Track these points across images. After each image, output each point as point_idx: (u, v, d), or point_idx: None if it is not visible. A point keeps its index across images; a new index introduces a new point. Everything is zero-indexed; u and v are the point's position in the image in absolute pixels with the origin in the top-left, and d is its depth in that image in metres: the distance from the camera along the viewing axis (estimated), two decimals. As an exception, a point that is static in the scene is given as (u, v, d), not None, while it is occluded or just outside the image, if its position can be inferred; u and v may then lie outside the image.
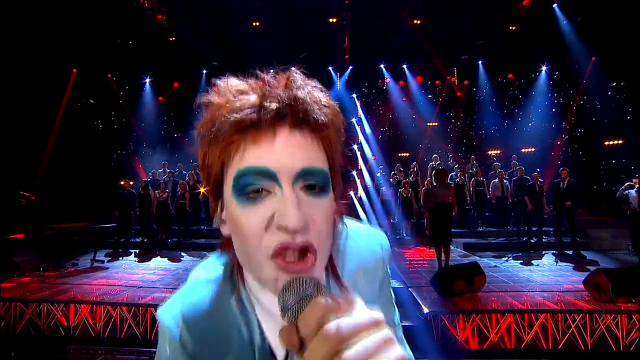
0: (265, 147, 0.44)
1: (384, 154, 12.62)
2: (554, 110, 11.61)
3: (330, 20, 10.96)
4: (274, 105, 0.44)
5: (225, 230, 0.50)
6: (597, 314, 3.83)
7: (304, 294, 0.38)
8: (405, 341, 0.60)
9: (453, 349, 3.78)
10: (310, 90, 0.46)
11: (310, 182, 0.45)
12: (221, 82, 0.49)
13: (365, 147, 13.50)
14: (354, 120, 13.92)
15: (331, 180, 0.47)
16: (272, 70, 0.49)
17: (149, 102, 13.13)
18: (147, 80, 12.97)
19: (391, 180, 10.10)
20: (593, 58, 10.16)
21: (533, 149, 11.62)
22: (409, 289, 4.78)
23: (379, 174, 10.65)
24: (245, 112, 0.44)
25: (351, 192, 10.99)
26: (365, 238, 0.61)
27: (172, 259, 7.31)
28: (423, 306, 4.12)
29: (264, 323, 0.51)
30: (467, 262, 5.05)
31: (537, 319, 3.86)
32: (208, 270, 0.56)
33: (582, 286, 4.49)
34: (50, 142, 10.13)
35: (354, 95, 13.93)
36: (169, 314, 0.53)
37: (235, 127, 0.44)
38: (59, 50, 9.33)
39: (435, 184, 6.00)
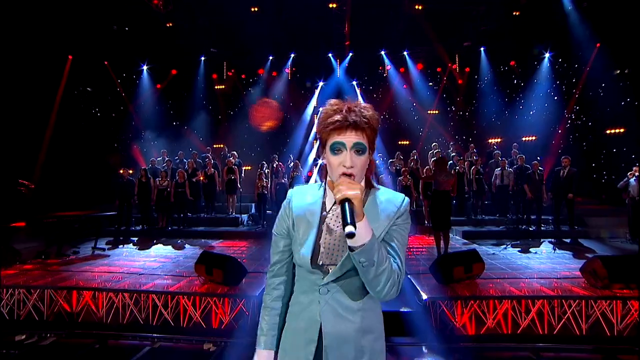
0: (342, 134, 1.06)
1: (384, 142, 12.58)
2: (556, 98, 11.49)
3: (330, 5, 10.76)
4: (345, 121, 1.05)
5: (325, 162, 1.12)
6: (593, 300, 3.89)
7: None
8: (399, 260, 1.08)
9: (451, 334, 3.85)
10: (361, 110, 1.07)
11: (357, 148, 1.06)
12: (328, 101, 1.11)
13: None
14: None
15: (368, 150, 1.08)
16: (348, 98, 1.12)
17: (147, 90, 12.99)
18: (145, 67, 12.81)
19: (389, 168, 10.10)
20: (598, 45, 10.01)
21: (534, 138, 11.58)
22: (408, 275, 4.84)
23: (377, 162, 10.65)
24: (335, 120, 1.05)
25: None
26: (393, 194, 1.16)
27: (172, 247, 7.38)
28: (422, 292, 4.18)
29: (327, 197, 1.17)
30: (465, 249, 5.10)
31: (534, 305, 3.93)
32: (308, 184, 1.25)
33: (579, 273, 4.55)
34: (48, 131, 10.07)
35: (354, 82, 13.80)
36: (290, 191, 1.24)
37: (330, 127, 1.06)
38: (53, 37, 9.19)
39: (436, 171, 6.01)
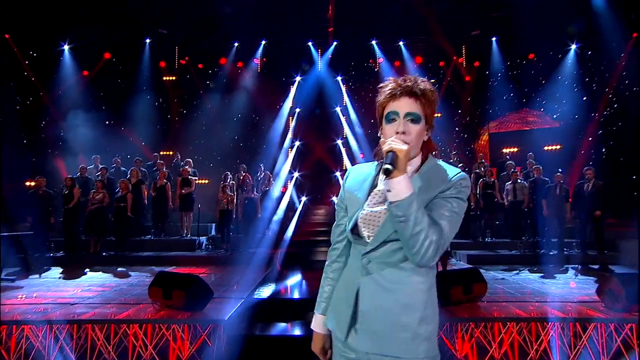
0: (396, 103, 1.45)
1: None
2: (584, 98, 11.99)
3: (312, -16, 11.11)
4: (399, 87, 1.45)
5: (383, 138, 1.47)
6: (613, 323, 4.45)
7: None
8: (440, 227, 1.34)
9: (450, 362, 4.40)
10: (417, 80, 1.46)
11: (411, 117, 1.43)
12: (385, 81, 1.53)
13: (352, 142, 14.01)
14: (338, 109, 14.36)
15: (424, 119, 1.46)
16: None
17: (69, 77, 13.04)
18: (66, 46, 12.84)
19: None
20: (634, 34, 10.63)
21: (558, 147, 12.12)
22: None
23: None
24: (389, 91, 1.47)
25: (334, 198, 11.48)
26: (450, 168, 1.47)
27: (112, 274, 7.68)
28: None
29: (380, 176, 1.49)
30: (465, 267, 5.63)
31: (544, 330, 4.54)
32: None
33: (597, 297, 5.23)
34: None
35: (339, 78, 14.45)
36: (350, 167, 1.86)
37: (385, 95, 1.48)
38: None
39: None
